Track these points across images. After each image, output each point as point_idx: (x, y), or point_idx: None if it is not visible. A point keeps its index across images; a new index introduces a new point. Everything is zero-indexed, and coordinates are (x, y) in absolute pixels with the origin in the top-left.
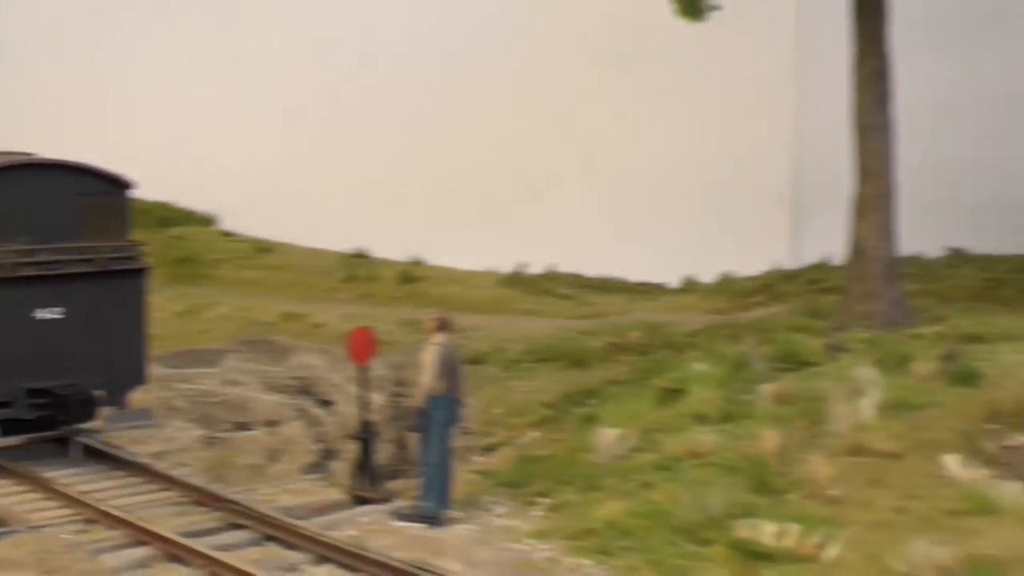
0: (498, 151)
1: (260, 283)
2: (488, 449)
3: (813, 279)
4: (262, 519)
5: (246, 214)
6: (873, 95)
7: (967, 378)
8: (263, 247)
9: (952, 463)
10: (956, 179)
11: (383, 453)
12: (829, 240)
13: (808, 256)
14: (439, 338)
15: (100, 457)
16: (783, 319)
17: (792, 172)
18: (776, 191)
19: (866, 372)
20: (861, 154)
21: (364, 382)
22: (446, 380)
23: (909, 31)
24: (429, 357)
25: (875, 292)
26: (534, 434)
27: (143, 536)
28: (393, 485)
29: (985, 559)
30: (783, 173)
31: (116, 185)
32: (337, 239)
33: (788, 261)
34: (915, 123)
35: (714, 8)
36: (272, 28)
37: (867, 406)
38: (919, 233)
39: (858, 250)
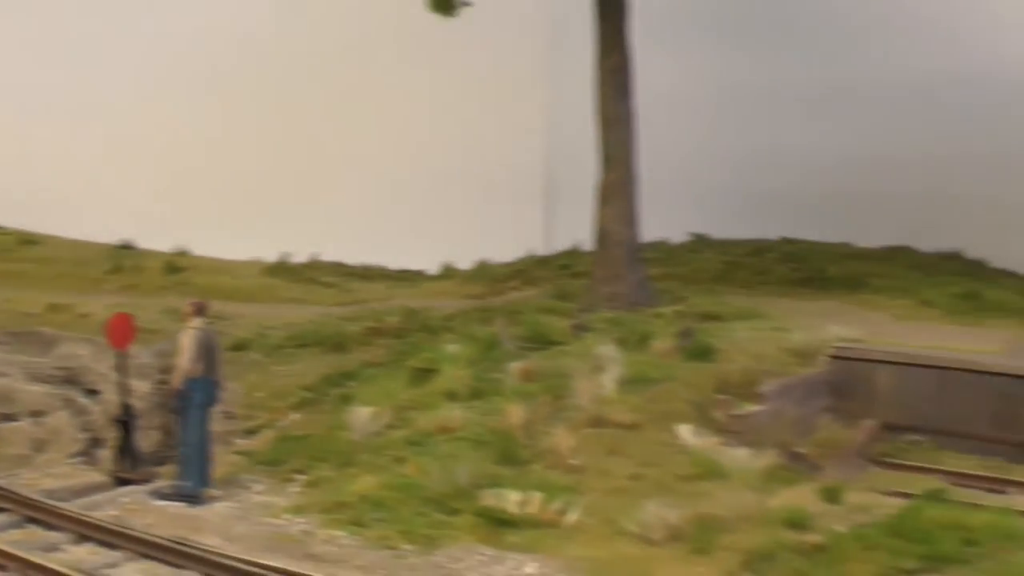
0: (262, 144)
1: (25, 275)
2: (250, 432)
3: (564, 264)
4: (22, 501)
5: (10, 207)
6: (614, 88)
7: (701, 353)
8: (28, 239)
9: (685, 432)
10: (702, 168)
11: (149, 438)
12: (581, 227)
13: (561, 242)
14: (196, 323)
15: None
16: (534, 302)
17: (546, 163)
18: (531, 181)
19: (608, 349)
20: (604, 144)
21: (124, 367)
22: (204, 363)
23: (658, 29)
24: (187, 341)
25: (619, 275)
26: (295, 416)
27: None
28: (159, 469)
29: (710, 518)
30: (537, 164)
31: None
32: (103, 231)
33: (542, 248)
34: (665, 115)
35: (465, 4)
36: (38, 20)
37: (608, 381)
38: (666, 219)
39: (602, 235)
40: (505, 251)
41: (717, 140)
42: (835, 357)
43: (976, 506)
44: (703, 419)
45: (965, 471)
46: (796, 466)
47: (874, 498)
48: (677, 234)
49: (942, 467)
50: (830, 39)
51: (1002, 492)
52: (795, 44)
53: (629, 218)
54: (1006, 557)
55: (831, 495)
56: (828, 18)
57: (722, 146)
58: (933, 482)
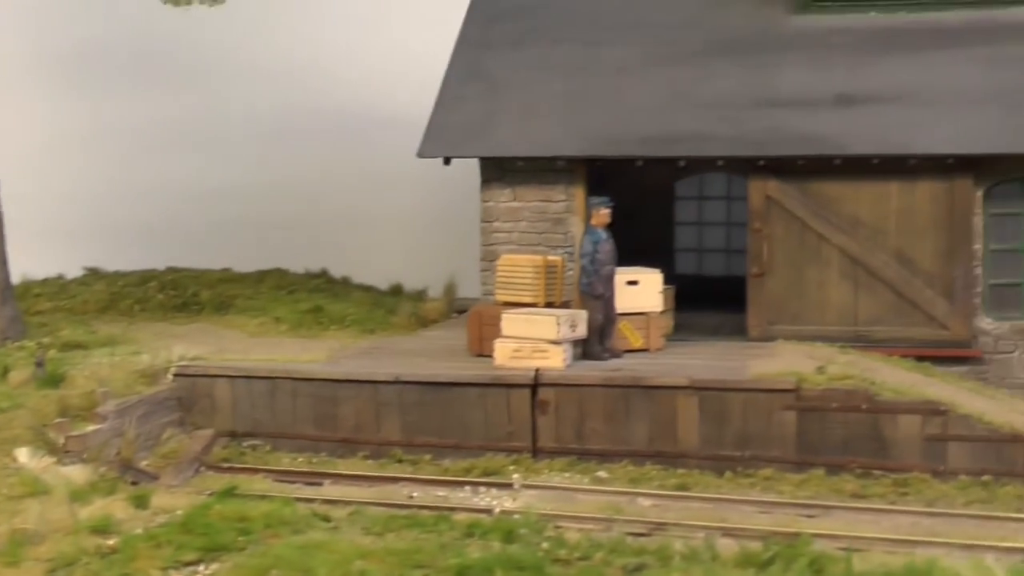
0: None
1: None
2: None
3: None
4: None
5: None
6: None
7: (53, 381)
8: None
9: (22, 455)
10: (95, 205)
11: None
12: None
13: None
14: None
15: None
16: None
17: None
18: None
19: None
20: None
21: None
22: None
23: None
24: None
25: None
26: None
27: None
28: None
29: (23, 533)
30: None
31: None
32: None
33: None
34: (58, 156)
35: None
36: None
37: None
38: (64, 256)
39: None
40: None
41: (105, 177)
42: (178, 375)
43: (261, 497)
44: (42, 442)
45: (291, 468)
46: (134, 478)
47: (184, 499)
48: (74, 269)
49: (271, 467)
50: (199, 80)
51: (319, 484)
52: (165, 86)
53: None
54: (275, 542)
55: (140, 501)
56: (198, 62)
57: (110, 183)
58: (257, 481)
